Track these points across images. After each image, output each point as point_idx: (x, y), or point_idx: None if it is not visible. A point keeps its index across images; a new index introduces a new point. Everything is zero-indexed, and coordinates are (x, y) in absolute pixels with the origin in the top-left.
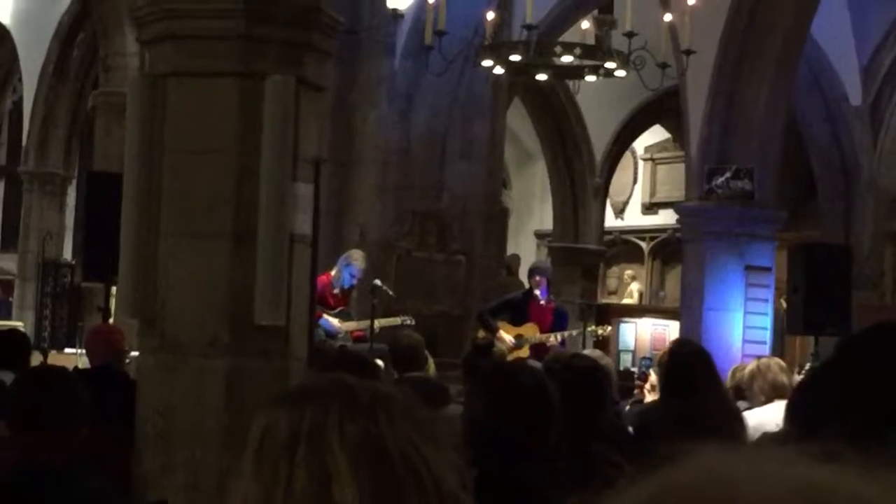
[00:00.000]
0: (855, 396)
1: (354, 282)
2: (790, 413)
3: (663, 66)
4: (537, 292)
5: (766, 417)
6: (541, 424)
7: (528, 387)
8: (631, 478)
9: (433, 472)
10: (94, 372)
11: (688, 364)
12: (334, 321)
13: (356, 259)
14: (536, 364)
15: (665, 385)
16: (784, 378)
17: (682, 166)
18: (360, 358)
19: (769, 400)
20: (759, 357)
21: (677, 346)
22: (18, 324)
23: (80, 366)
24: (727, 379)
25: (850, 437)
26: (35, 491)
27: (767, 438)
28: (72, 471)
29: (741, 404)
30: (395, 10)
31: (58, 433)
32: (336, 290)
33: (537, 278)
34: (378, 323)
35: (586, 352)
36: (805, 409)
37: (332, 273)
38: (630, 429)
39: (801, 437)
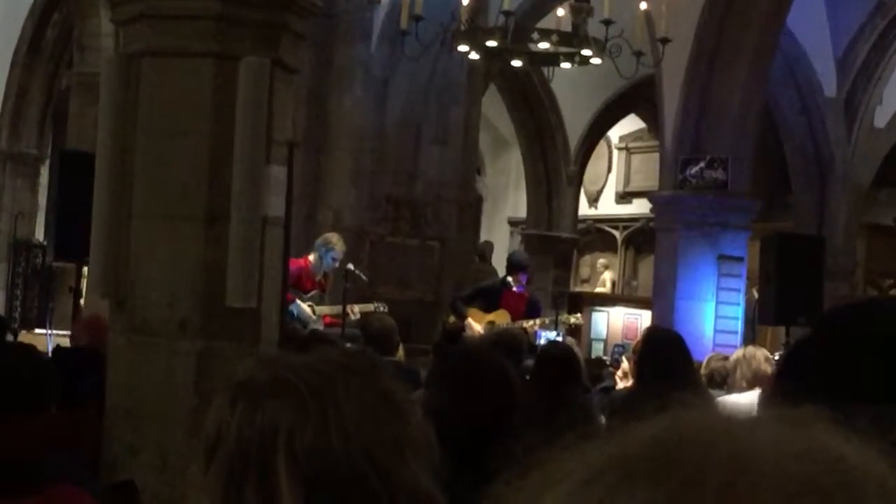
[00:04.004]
0: (838, 367)
1: (336, 265)
2: (774, 389)
3: (638, 54)
4: (510, 279)
5: (740, 403)
6: (505, 409)
7: (492, 372)
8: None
9: (393, 481)
10: (75, 352)
11: (663, 349)
12: (305, 307)
13: (335, 243)
14: None
15: (640, 370)
16: (767, 368)
17: (656, 156)
18: (329, 340)
19: (750, 387)
20: (745, 345)
21: (653, 331)
22: None
23: (51, 346)
24: (702, 367)
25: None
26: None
27: None
28: (42, 447)
29: (715, 392)
30: None
31: (25, 411)
32: (319, 277)
33: (519, 275)
34: (354, 308)
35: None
36: (788, 382)
37: (311, 259)
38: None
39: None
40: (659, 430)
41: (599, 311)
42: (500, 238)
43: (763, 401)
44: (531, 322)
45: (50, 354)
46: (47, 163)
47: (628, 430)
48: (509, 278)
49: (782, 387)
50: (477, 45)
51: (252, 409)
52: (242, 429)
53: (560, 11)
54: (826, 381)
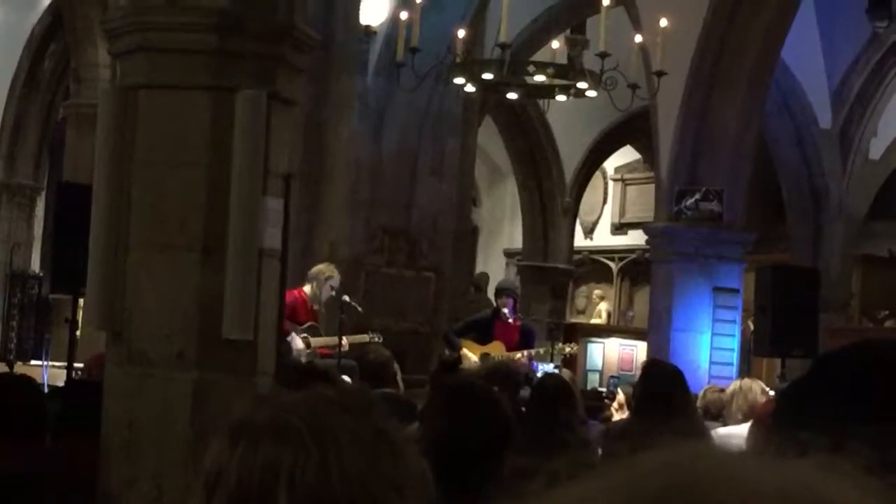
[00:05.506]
0: (836, 389)
1: (334, 293)
2: (773, 423)
3: (634, 87)
4: (505, 311)
5: (733, 435)
6: (501, 442)
7: (487, 405)
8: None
9: None
10: (86, 385)
11: (661, 382)
12: (299, 341)
13: (333, 272)
14: None
15: (638, 402)
16: (763, 400)
17: (652, 187)
18: (322, 372)
19: (746, 420)
20: (741, 377)
21: (652, 365)
22: None
23: (48, 378)
24: (698, 399)
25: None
26: (2, 496)
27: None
28: (38, 478)
29: (711, 424)
30: (367, 27)
31: (21, 440)
32: (317, 307)
33: (504, 298)
34: (346, 340)
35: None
36: (787, 415)
37: (307, 290)
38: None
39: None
40: (664, 474)
41: (595, 342)
42: (495, 269)
43: (764, 436)
44: (524, 353)
45: (63, 385)
46: (43, 194)
47: (629, 469)
48: (504, 310)
49: (782, 420)
50: (473, 78)
51: (252, 450)
52: (243, 469)
53: (555, 44)
54: (826, 404)
